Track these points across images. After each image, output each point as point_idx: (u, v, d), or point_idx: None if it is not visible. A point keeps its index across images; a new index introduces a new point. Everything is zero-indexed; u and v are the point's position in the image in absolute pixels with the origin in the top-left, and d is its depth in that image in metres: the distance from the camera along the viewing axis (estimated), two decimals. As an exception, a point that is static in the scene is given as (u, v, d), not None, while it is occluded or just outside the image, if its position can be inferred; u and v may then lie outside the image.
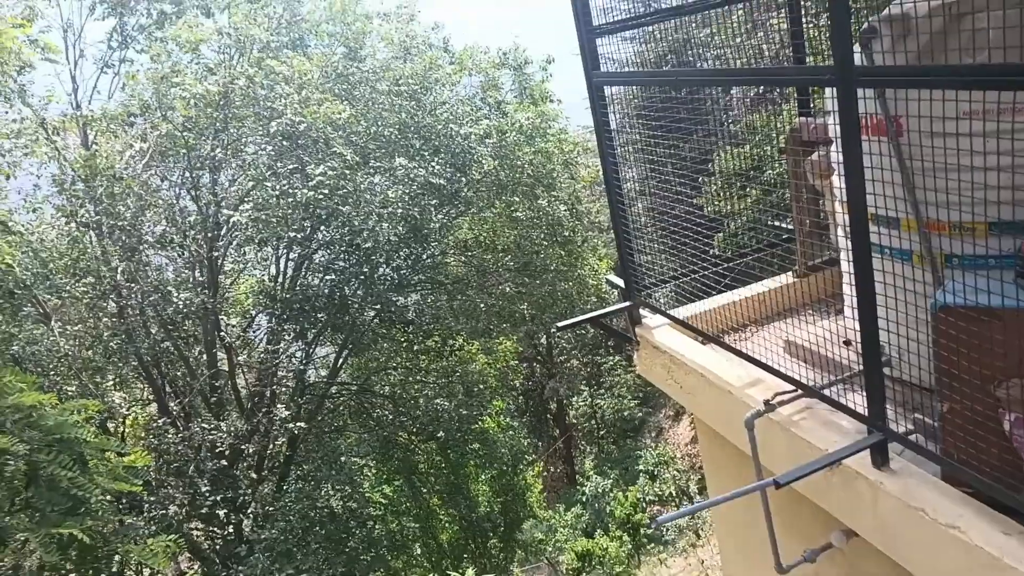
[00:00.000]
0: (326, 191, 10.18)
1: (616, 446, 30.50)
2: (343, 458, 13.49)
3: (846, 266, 4.15)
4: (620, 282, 5.67)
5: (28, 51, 9.05)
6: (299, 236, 11.02)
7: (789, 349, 4.43)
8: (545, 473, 26.90)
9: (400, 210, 10.94)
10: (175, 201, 11.95)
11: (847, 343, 3.97)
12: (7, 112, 10.71)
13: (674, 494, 24.56)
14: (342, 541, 13.35)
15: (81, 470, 5.97)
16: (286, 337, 13.64)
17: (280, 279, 13.32)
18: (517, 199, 15.53)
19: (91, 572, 9.13)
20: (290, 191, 10.37)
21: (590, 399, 30.66)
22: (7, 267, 9.96)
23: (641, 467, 25.45)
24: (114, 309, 12.72)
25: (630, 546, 21.41)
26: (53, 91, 11.78)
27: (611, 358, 31.10)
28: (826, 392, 3.67)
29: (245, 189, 11.65)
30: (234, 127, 11.43)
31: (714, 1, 4.35)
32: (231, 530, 13.09)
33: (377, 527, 14.52)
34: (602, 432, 31.14)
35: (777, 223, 6.14)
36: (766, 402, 3.83)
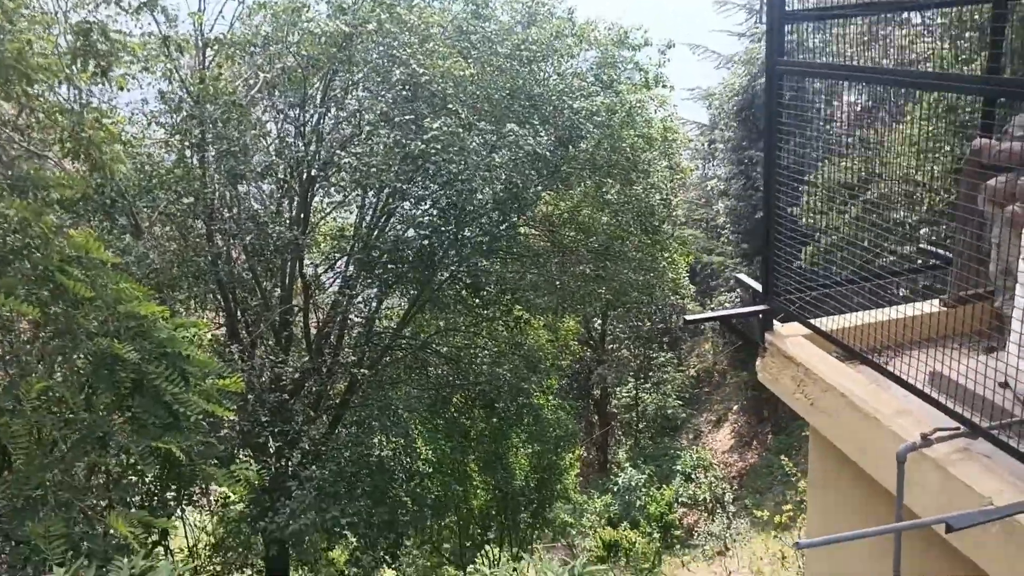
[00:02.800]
0: (439, 146, 10.09)
1: (652, 442, 30.36)
2: (401, 411, 13.52)
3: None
4: (753, 283, 5.48)
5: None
6: (403, 187, 10.96)
7: (935, 382, 4.19)
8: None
9: (504, 175, 10.80)
10: (283, 135, 11.98)
11: (1004, 385, 3.75)
12: (135, 25, 10.79)
13: (708, 500, 24.35)
14: (387, 492, 13.46)
15: (184, 387, 6.03)
16: (362, 283, 13.69)
17: (366, 226, 13.32)
18: (610, 181, 15.26)
19: (176, 487, 9.31)
20: (403, 141, 10.29)
21: (635, 391, 30.50)
22: (110, 176, 10.08)
23: (679, 467, 25.28)
24: (202, 230, 12.91)
25: (659, 544, 21.31)
26: (178, 10, 11.81)
27: (663, 354, 30.83)
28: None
29: (353, 133, 11.61)
30: (346, 71, 11.36)
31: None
32: (283, 463, 13.32)
33: (423, 485, 14.62)
34: (641, 425, 31.00)
35: (932, 247, 5.85)
36: (924, 436, 3.63)
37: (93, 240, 5.70)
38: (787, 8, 4.72)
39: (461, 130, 10.59)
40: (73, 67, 8.54)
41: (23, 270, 5.51)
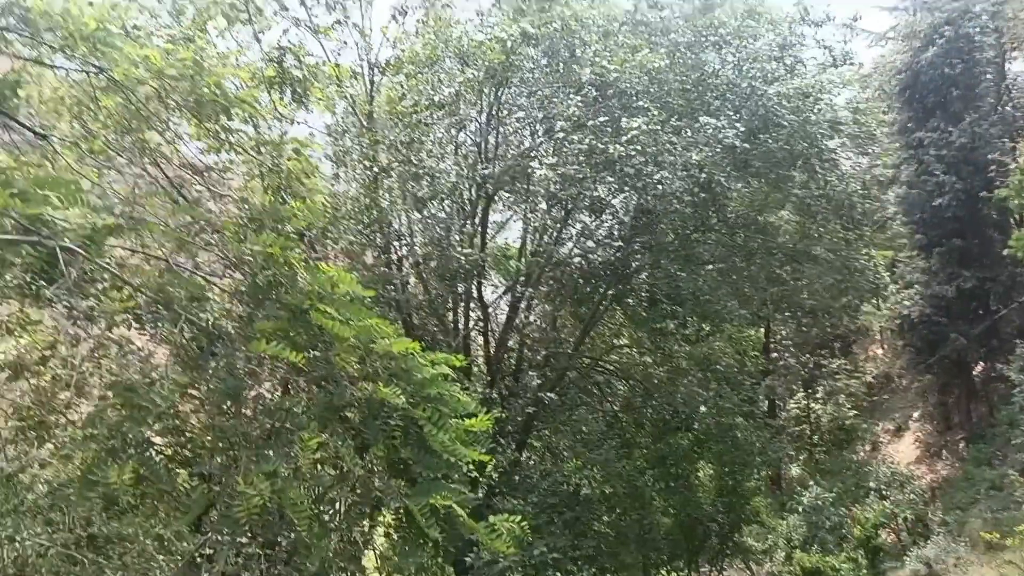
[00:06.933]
0: (638, 147, 9.17)
1: (828, 455, 28.05)
2: (590, 435, 12.57)
3: None
4: None
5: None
6: (597, 194, 10.10)
7: None
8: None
9: (704, 175, 9.74)
10: (466, 153, 11.42)
11: None
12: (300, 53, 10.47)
13: (909, 519, 21.94)
14: (589, 524, 12.51)
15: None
16: (543, 302, 12.93)
17: (548, 242, 12.55)
18: (796, 173, 13.81)
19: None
20: (599, 145, 9.44)
21: (805, 402, 28.39)
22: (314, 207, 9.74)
23: (872, 484, 22.99)
24: (380, 258, 12.52)
25: (866, 571, 19.28)
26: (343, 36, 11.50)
27: (835, 361, 28.59)
28: None
29: (542, 142, 10.89)
30: (531, 74, 10.65)
31: None
32: (480, 494, 12.66)
33: (624, 516, 13.59)
34: (815, 438, 28.76)
35: None
36: None
37: (344, 273, 5.11)
38: None
39: (659, 127, 9.63)
40: (269, 95, 8.24)
41: (273, 311, 4.98)
